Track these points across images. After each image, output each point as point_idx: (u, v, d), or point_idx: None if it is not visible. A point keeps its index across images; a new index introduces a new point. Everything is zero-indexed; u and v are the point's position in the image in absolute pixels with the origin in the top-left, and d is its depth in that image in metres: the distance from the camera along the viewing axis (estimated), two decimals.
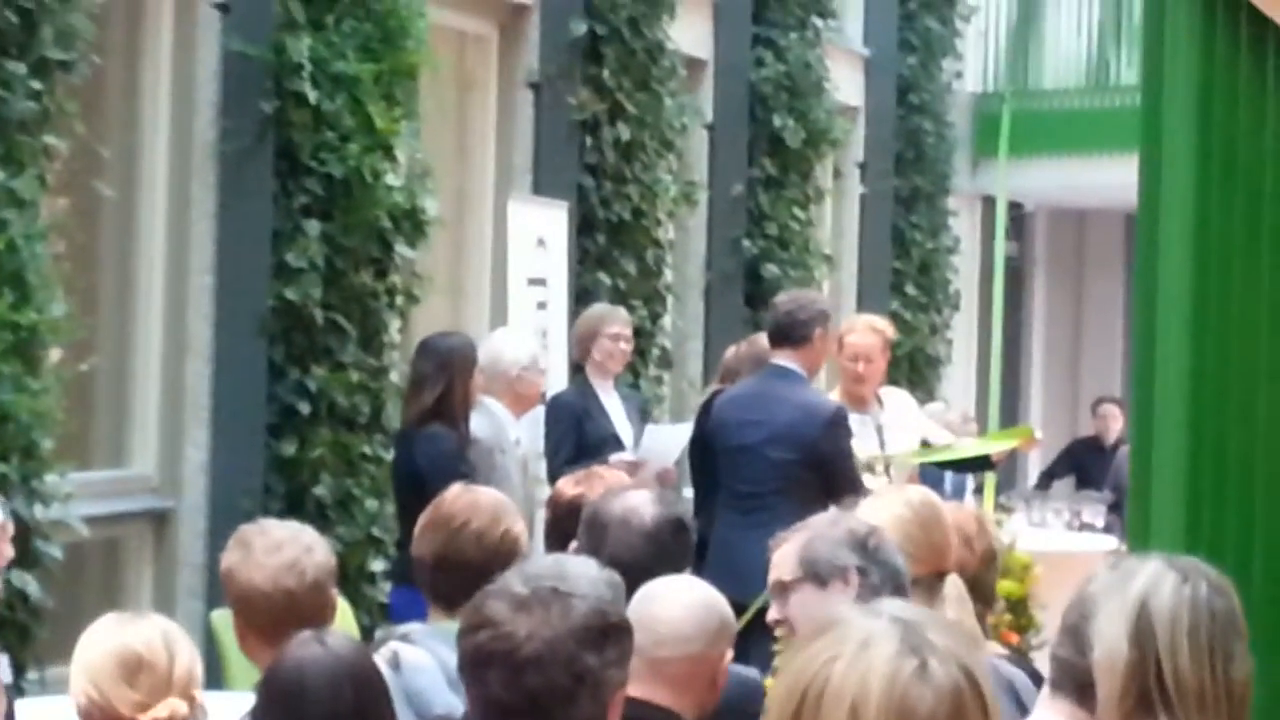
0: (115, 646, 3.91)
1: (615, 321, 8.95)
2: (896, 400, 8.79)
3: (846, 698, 2.25)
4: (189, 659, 3.92)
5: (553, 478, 7.70)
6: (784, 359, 7.91)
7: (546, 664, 2.84)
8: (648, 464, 8.35)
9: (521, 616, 2.87)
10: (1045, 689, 3.65)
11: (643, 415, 9.40)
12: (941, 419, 10.14)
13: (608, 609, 2.93)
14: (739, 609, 4.08)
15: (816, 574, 4.29)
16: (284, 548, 4.31)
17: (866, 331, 8.60)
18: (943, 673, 2.29)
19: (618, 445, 8.57)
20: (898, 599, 4.31)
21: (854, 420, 8.35)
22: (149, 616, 4.07)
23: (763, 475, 7.68)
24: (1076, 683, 3.55)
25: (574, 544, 4.44)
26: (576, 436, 8.54)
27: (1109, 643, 3.25)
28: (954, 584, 4.79)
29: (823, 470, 7.60)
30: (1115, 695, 3.22)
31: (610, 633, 2.91)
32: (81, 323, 7.31)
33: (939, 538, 4.86)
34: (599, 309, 9.27)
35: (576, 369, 9.30)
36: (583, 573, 2.97)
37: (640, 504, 4.40)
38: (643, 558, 4.22)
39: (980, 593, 5.22)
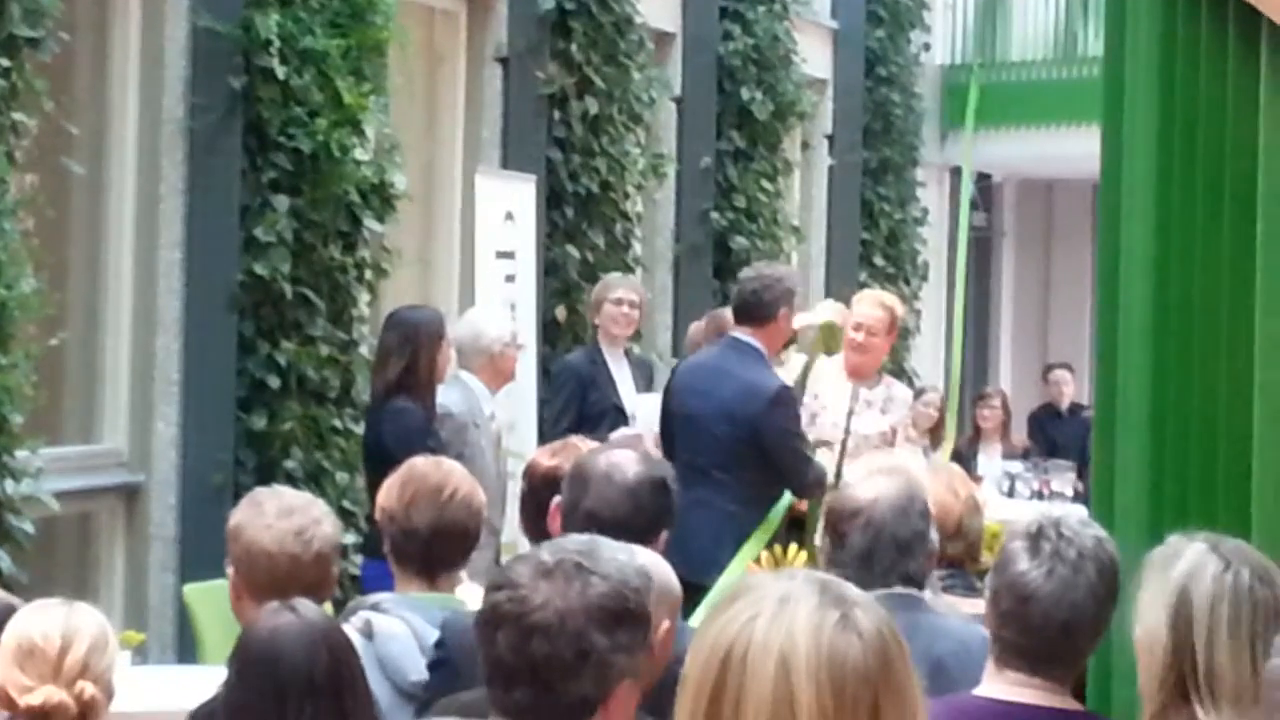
0: (18, 632, 3.95)
1: (618, 287, 9.00)
2: (894, 393, 8.54)
3: (774, 651, 2.24)
4: (86, 651, 3.93)
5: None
6: (744, 334, 7.79)
7: (554, 633, 2.82)
8: (644, 436, 8.33)
9: (542, 583, 2.85)
10: (990, 663, 3.69)
11: (648, 381, 9.41)
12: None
13: (629, 595, 2.88)
14: (687, 589, 3.99)
15: None
16: (295, 514, 4.32)
17: (873, 304, 8.49)
18: (866, 621, 2.29)
19: (619, 416, 8.54)
20: None
21: (841, 387, 8.30)
22: (70, 605, 4.06)
23: (706, 448, 7.55)
24: (1026, 657, 3.60)
25: (557, 499, 4.45)
26: (580, 404, 8.51)
27: (1149, 626, 3.28)
28: None
29: (765, 448, 7.53)
30: (1154, 677, 3.25)
31: (625, 618, 2.86)
32: (51, 298, 7.32)
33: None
34: (606, 277, 9.46)
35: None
36: (612, 556, 2.93)
37: (625, 461, 4.42)
38: (620, 513, 4.21)
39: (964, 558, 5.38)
